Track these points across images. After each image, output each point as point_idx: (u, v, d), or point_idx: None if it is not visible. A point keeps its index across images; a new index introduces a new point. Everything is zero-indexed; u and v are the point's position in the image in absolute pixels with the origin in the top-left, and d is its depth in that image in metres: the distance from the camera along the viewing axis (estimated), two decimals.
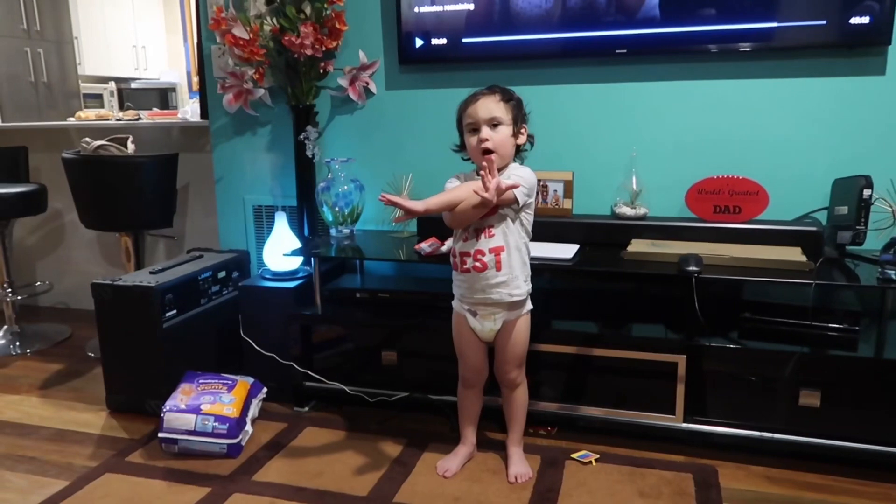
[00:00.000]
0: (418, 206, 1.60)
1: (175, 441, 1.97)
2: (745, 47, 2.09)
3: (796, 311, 2.02)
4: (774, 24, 2.04)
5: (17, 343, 2.96)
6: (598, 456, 1.91)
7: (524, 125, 1.73)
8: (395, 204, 1.59)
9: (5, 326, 3.04)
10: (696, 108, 2.21)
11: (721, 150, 2.20)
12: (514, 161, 1.75)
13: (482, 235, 1.69)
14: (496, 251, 1.69)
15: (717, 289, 2.12)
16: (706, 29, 2.10)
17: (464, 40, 2.32)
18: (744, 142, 2.18)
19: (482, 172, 1.59)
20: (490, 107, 1.66)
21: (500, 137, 1.66)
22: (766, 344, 1.89)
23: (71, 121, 3.39)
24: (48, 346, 2.96)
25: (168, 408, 1.99)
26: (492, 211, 1.67)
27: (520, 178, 1.66)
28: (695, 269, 1.84)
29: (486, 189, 1.55)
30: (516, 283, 1.72)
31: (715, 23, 2.09)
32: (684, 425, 1.92)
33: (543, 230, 2.08)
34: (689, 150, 2.23)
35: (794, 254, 1.92)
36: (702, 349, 1.88)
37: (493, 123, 1.66)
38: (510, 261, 1.69)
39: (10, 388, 2.53)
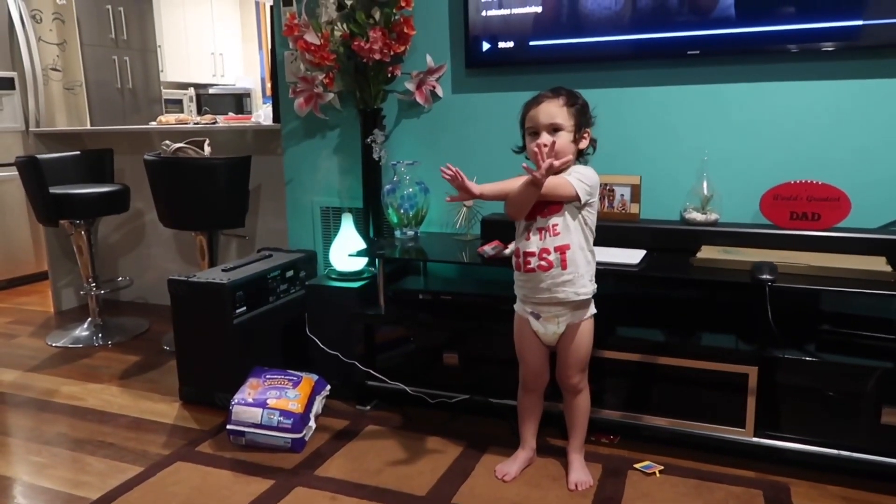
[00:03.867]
0: (475, 188, 1.65)
1: (242, 433, 2.03)
2: (828, 47, 2.00)
3: (880, 324, 1.92)
4: (860, 22, 1.94)
5: (100, 335, 3.13)
6: (662, 467, 1.86)
7: (587, 130, 1.69)
8: (455, 176, 1.64)
9: (89, 319, 3.22)
10: (773, 111, 2.12)
11: (799, 154, 2.11)
12: (577, 163, 1.73)
13: (547, 234, 1.68)
14: (561, 249, 1.67)
15: (792, 299, 2.03)
16: (786, 28, 2.02)
17: (531, 43, 2.31)
18: (824, 145, 2.08)
19: (535, 149, 1.61)
20: (552, 112, 1.64)
21: (559, 143, 1.64)
22: (846, 358, 1.80)
23: (153, 125, 3.56)
24: (128, 339, 3.11)
25: (236, 401, 2.05)
26: (555, 208, 1.66)
27: (581, 174, 1.65)
28: (769, 277, 1.76)
29: (539, 168, 1.56)
30: (582, 282, 1.70)
31: (795, 22, 2.01)
32: (755, 440, 1.85)
33: (610, 235, 2.04)
34: (764, 154, 2.15)
35: (879, 263, 1.82)
36: (775, 361, 1.81)
37: (554, 129, 1.64)
38: (575, 259, 1.68)
39: (93, 377, 2.68)
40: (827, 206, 2.00)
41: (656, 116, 2.25)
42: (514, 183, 1.66)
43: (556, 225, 1.67)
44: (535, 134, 1.66)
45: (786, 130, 2.12)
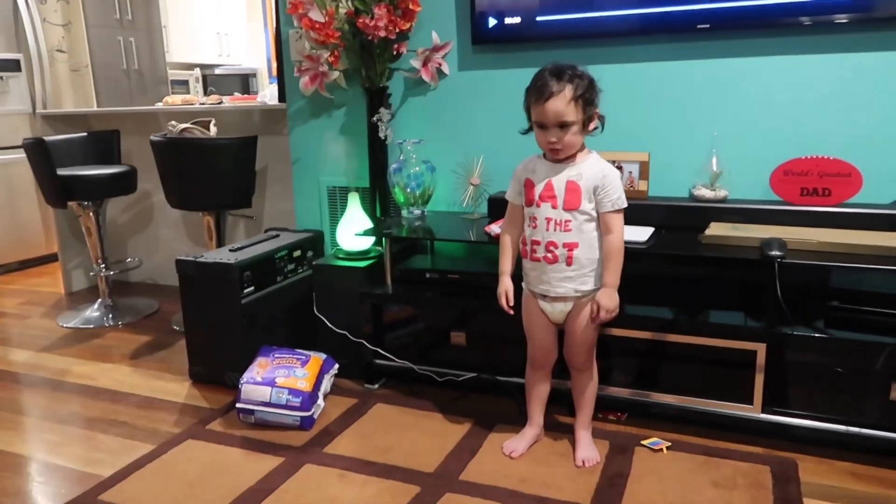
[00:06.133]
0: (507, 281, 1.80)
1: (251, 412, 2.05)
2: (842, 19, 1.96)
3: (890, 300, 1.90)
4: None
5: (111, 315, 3.15)
6: (669, 444, 1.86)
7: (595, 110, 1.65)
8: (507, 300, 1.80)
9: (99, 300, 3.24)
10: (784, 85, 2.09)
11: (810, 128, 2.08)
12: (585, 148, 1.71)
13: (558, 228, 1.67)
14: (570, 246, 1.66)
15: (802, 275, 2.02)
16: (799, 0, 1.98)
17: (538, 19, 2.28)
18: (836, 120, 2.05)
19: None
20: (559, 109, 1.58)
21: (568, 138, 1.62)
22: (855, 334, 1.78)
23: (159, 105, 3.55)
24: (138, 319, 3.14)
25: (245, 380, 2.07)
26: (573, 203, 1.65)
27: (614, 187, 1.65)
28: (778, 253, 1.75)
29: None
30: (583, 280, 1.70)
31: None
32: (763, 416, 1.84)
33: None
34: (774, 130, 2.12)
35: (890, 239, 1.80)
36: (784, 338, 1.80)
37: (562, 126, 1.61)
38: (581, 258, 1.67)
39: (105, 357, 2.70)
40: (838, 181, 1.98)
41: (665, 92, 2.23)
42: (504, 251, 1.82)
43: (570, 221, 1.66)
44: (543, 126, 1.63)
45: (797, 105, 2.09)
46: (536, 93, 1.62)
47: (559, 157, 1.66)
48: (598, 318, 1.67)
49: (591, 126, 1.66)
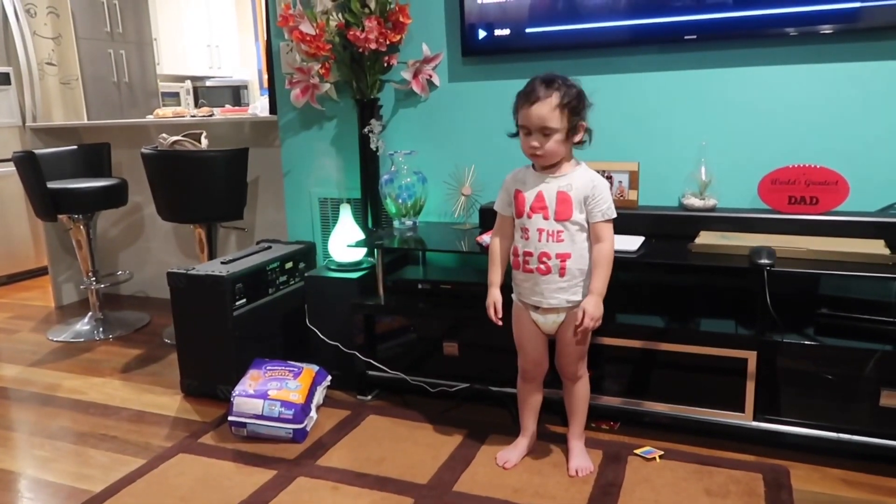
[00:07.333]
0: (495, 292, 1.78)
1: (244, 425, 2.04)
2: (826, 30, 1.98)
3: (878, 307, 1.92)
4: (858, 4, 1.93)
5: (101, 329, 3.13)
6: (662, 452, 1.86)
7: (583, 123, 1.66)
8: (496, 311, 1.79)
9: (90, 313, 3.22)
10: (770, 95, 2.11)
11: (797, 138, 2.11)
12: (574, 158, 1.72)
13: (551, 238, 1.67)
14: (562, 257, 1.67)
15: (791, 283, 2.03)
16: (784, 11, 2.01)
17: (527, 30, 2.30)
18: (822, 129, 2.08)
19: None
20: (544, 115, 1.60)
21: (550, 145, 1.62)
22: (844, 341, 1.80)
23: (150, 118, 3.55)
24: (129, 333, 3.12)
25: (237, 393, 2.06)
26: (564, 213, 1.66)
27: (606, 200, 1.67)
28: (767, 261, 1.76)
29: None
30: (575, 290, 1.71)
31: (793, 4, 1.99)
32: (754, 424, 1.85)
33: None
34: (761, 139, 2.14)
35: (877, 246, 1.82)
36: (774, 345, 1.81)
37: (545, 133, 1.62)
38: (573, 268, 1.68)
39: (95, 371, 2.69)
40: (825, 189, 2.00)
41: (654, 102, 2.25)
42: (493, 264, 1.81)
43: (562, 232, 1.67)
44: (528, 130, 1.64)
45: (784, 114, 2.11)
46: (524, 97, 1.64)
47: (541, 163, 1.68)
48: (582, 325, 1.66)
49: (577, 138, 1.67)
